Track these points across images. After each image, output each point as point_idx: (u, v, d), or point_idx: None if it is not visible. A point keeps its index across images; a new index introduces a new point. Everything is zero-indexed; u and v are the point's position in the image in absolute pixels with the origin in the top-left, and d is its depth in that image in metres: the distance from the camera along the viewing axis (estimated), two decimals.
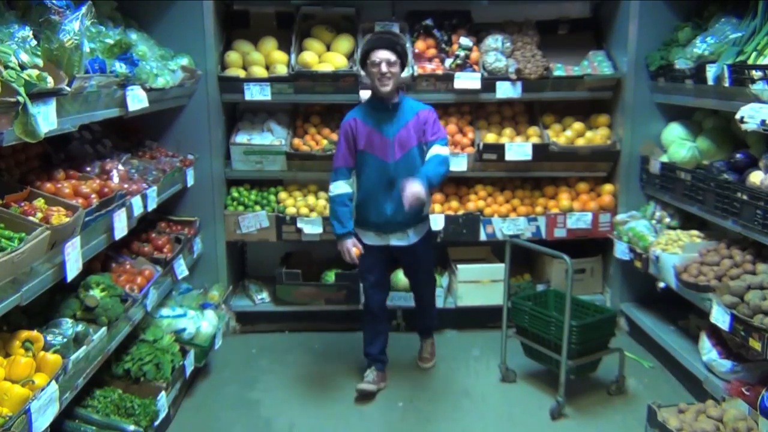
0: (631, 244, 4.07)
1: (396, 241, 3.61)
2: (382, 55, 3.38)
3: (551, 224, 4.42)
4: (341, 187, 3.53)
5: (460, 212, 4.45)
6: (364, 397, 3.63)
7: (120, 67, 2.95)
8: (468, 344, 4.31)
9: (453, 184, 4.60)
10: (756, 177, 3.15)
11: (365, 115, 3.53)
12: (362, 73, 3.55)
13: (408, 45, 4.41)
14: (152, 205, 3.35)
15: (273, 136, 4.44)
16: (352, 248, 3.50)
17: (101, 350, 2.73)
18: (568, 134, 4.43)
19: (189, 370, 3.54)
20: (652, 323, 4.15)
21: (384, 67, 3.38)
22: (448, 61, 4.32)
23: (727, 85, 3.18)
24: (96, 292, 2.85)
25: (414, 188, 3.23)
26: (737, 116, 2.93)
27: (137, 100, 3.10)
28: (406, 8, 4.68)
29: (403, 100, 3.56)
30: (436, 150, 3.48)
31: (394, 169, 3.47)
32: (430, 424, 3.44)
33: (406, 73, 4.21)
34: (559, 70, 4.35)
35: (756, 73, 2.95)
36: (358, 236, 3.59)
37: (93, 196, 2.77)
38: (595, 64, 4.37)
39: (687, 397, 3.57)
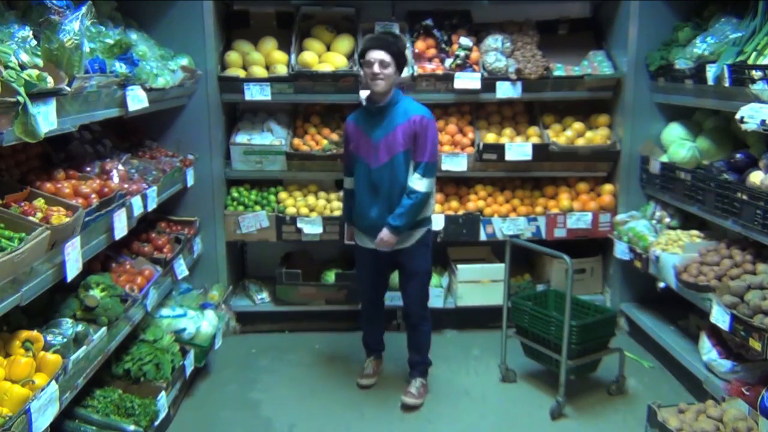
0: (631, 244, 4.07)
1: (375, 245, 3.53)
2: (376, 55, 3.33)
3: (551, 224, 4.42)
4: (348, 183, 3.71)
5: (460, 212, 4.45)
6: (364, 387, 3.80)
7: (120, 67, 2.95)
8: (468, 344, 4.32)
9: (453, 184, 4.61)
10: (756, 177, 3.15)
11: (359, 117, 3.56)
12: (362, 72, 3.58)
13: (408, 45, 4.41)
14: (152, 205, 3.34)
15: (273, 136, 4.44)
16: (351, 234, 3.77)
17: (101, 350, 2.73)
18: (568, 134, 4.43)
19: (189, 370, 3.54)
20: (652, 323, 4.15)
21: (376, 68, 3.31)
22: (448, 61, 4.32)
23: (727, 85, 3.18)
24: (96, 292, 2.84)
25: (384, 237, 3.40)
26: (737, 116, 2.93)
27: (137, 100, 3.10)
28: (406, 8, 4.68)
29: (398, 102, 3.43)
30: (413, 184, 3.35)
31: (377, 175, 3.40)
32: (430, 424, 3.44)
33: (406, 73, 4.21)
34: (559, 70, 4.35)
35: (756, 73, 2.95)
36: (355, 236, 3.74)
37: (93, 196, 2.77)
38: (595, 64, 4.37)
39: (687, 397, 3.58)
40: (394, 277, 4.38)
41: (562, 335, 3.39)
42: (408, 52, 4.34)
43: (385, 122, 3.41)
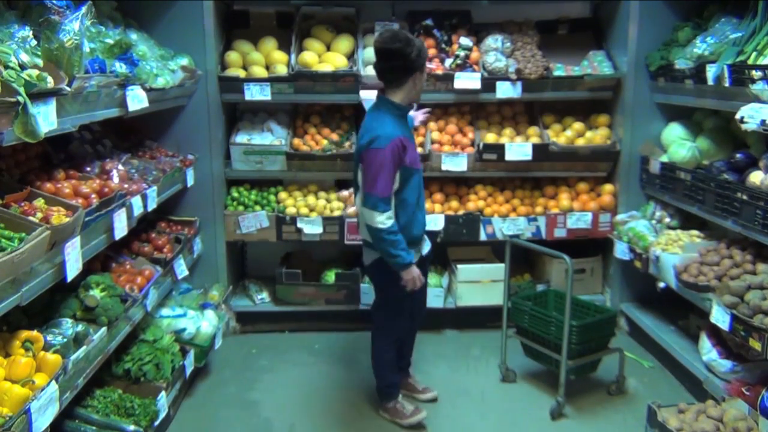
0: (631, 244, 4.07)
1: (425, 248, 3.40)
2: None
3: (551, 224, 4.42)
4: (392, 218, 3.10)
5: (460, 212, 4.45)
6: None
7: (120, 67, 2.95)
8: (468, 344, 4.32)
9: (453, 184, 4.61)
10: (756, 177, 3.15)
11: (401, 128, 3.16)
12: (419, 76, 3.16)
13: None
14: (152, 205, 3.35)
15: (273, 136, 4.44)
16: (418, 274, 3.19)
17: (101, 350, 2.73)
18: (568, 134, 4.43)
19: (189, 370, 3.54)
20: (652, 323, 4.15)
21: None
22: (448, 61, 4.32)
23: (727, 85, 3.18)
24: (96, 292, 2.85)
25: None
26: (737, 116, 2.93)
27: (137, 100, 3.10)
28: (406, 8, 4.68)
29: None
30: None
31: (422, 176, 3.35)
32: (430, 424, 3.44)
33: None
34: (559, 70, 4.35)
35: (756, 73, 2.95)
36: None
37: (93, 196, 2.77)
38: (595, 64, 4.37)
39: (687, 397, 3.58)
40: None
41: (562, 335, 3.39)
42: None
43: (408, 124, 3.33)
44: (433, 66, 4.30)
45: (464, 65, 4.29)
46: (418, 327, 3.67)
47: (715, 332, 3.43)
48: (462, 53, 4.30)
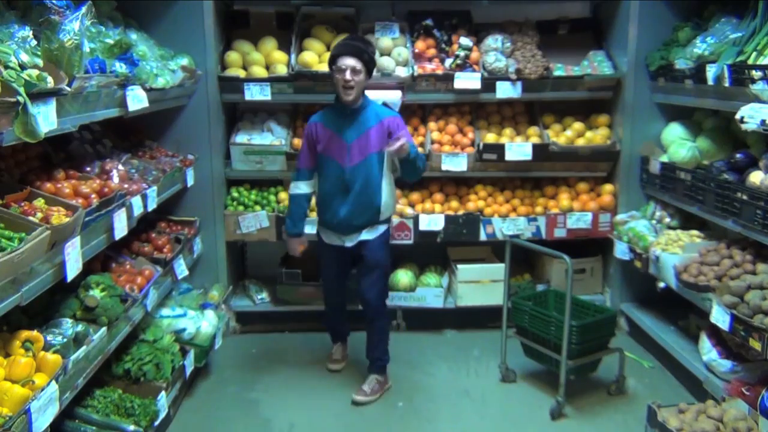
0: (631, 244, 4.07)
1: (349, 242, 3.63)
2: (348, 62, 3.39)
3: (551, 224, 4.42)
4: (300, 188, 3.67)
5: (460, 212, 4.45)
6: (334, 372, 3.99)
7: (120, 67, 2.95)
8: (468, 344, 4.31)
9: (453, 184, 4.61)
10: (756, 177, 3.15)
11: (327, 119, 3.57)
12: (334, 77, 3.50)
13: (408, 45, 4.42)
14: (152, 205, 3.34)
15: (273, 136, 4.44)
16: (297, 246, 3.79)
17: (101, 350, 2.73)
18: (568, 134, 4.43)
19: (189, 370, 3.54)
20: (652, 323, 4.15)
21: (348, 75, 3.38)
22: (448, 61, 4.32)
23: (727, 85, 3.18)
24: (96, 292, 2.85)
25: (402, 141, 3.32)
26: (737, 116, 2.93)
27: (137, 100, 3.10)
28: (406, 8, 4.68)
29: (367, 105, 3.54)
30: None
31: (350, 174, 3.49)
32: (430, 424, 3.44)
33: (406, 73, 4.23)
34: (559, 70, 4.35)
35: (756, 73, 2.95)
36: (320, 234, 3.73)
37: (93, 196, 2.77)
38: (595, 64, 4.37)
39: (687, 397, 3.58)
40: (395, 278, 4.38)
41: (562, 335, 3.39)
42: (408, 52, 4.35)
43: (356, 124, 3.49)
44: (433, 66, 4.30)
45: (464, 65, 4.29)
46: (368, 316, 3.78)
47: (715, 332, 3.43)
48: (462, 53, 4.30)
